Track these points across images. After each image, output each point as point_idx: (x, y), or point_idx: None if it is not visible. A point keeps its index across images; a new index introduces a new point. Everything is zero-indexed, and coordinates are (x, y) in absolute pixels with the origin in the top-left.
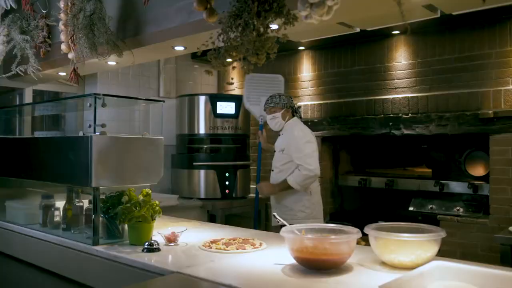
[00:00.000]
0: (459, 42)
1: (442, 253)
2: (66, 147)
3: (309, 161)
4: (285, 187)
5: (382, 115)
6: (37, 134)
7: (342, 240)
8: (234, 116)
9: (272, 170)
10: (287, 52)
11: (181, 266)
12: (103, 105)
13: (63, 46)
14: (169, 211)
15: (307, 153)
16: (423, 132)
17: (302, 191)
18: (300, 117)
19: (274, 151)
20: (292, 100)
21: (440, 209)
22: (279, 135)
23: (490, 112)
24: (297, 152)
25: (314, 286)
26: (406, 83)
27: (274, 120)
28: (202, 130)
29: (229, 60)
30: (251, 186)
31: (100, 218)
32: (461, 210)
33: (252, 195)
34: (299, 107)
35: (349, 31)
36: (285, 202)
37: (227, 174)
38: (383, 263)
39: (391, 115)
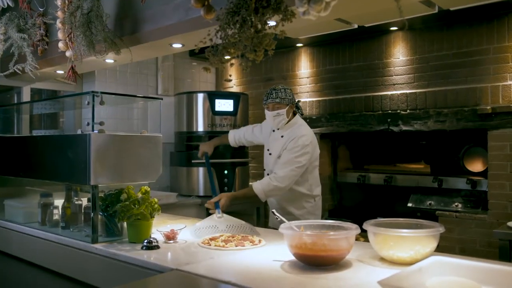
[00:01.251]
0: (457, 37)
1: (441, 249)
2: (65, 145)
3: (290, 173)
4: (247, 196)
5: (380, 112)
6: (35, 132)
7: (341, 236)
8: (233, 114)
9: (267, 174)
10: (285, 49)
11: (180, 263)
12: (101, 103)
13: (60, 44)
14: (168, 208)
15: (296, 166)
16: (421, 128)
17: (262, 200)
18: (302, 114)
19: (268, 151)
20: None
21: (439, 205)
22: (273, 131)
23: (488, 107)
24: (285, 159)
25: (313, 282)
26: (404, 79)
27: (278, 118)
28: (200, 128)
29: (227, 57)
30: (250, 183)
31: (99, 216)
32: (460, 205)
33: None
34: (298, 101)
35: (347, 27)
36: (289, 210)
37: (225, 172)
38: (382, 259)
39: (390, 111)
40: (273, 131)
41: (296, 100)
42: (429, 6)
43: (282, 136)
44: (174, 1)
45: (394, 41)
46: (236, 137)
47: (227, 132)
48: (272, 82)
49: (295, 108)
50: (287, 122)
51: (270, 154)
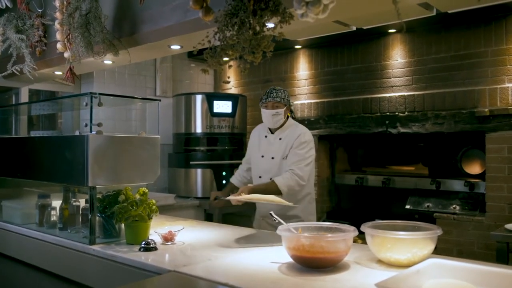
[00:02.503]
0: (455, 40)
1: (439, 251)
2: (63, 146)
3: (305, 169)
4: (267, 190)
5: (378, 114)
6: (33, 133)
7: (339, 238)
8: (231, 115)
9: (260, 177)
10: (283, 51)
11: (178, 265)
12: (99, 104)
13: (59, 45)
14: (166, 210)
15: (308, 162)
16: (419, 130)
17: (284, 194)
18: (294, 117)
19: (263, 156)
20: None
21: (437, 207)
22: (266, 136)
23: (486, 110)
24: (296, 156)
25: (311, 284)
26: (403, 81)
27: (277, 117)
28: (198, 129)
29: (225, 58)
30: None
31: (97, 218)
32: (458, 208)
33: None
34: (291, 104)
35: (345, 29)
36: (295, 213)
37: (224, 173)
38: (380, 261)
39: (388, 113)
40: (265, 136)
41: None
42: (427, 9)
43: (280, 139)
44: (172, 2)
45: (392, 43)
46: (238, 176)
47: (226, 134)
48: (271, 84)
49: (290, 111)
50: (283, 124)
51: (272, 158)
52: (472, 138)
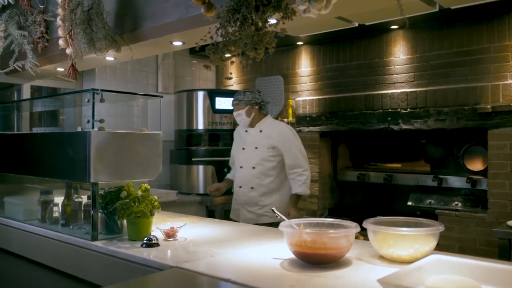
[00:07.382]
0: (457, 36)
1: (441, 248)
2: (65, 142)
3: (306, 159)
4: (296, 205)
5: (380, 110)
6: (36, 130)
7: (341, 234)
8: (233, 112)
9: (241, 167)
10: (285, 47)
11: (180, 261)
12: (102, 100)
13: (61, 42)
14: (167, 206)
15: (303, 154)
16: (421, 127)
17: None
18: (266, 114)
19: (244, 149)
20: (260, 96)
21: (439, 204)
22: (246, 131)
23: (489, 106)
24: (295, 151)
25: (313, 280)
26: (405, 78)
27: (239, 117)
28: (200, 126)
29: (227, 55)
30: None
31: (99, 214)
32: (460, 204)
33: None
34: (267, 102)
35: (347, 25)
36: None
37: (225, 170)
38: (382, 257)
39: (390, 110)
40: (246, 131)
41: (261, 101)
42: (429, 5)
43: (261, 131)
44: None
45: (395, 40)
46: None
47: (228, 130)
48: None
49: (261, 108)
50: (258, 121)
51: (256, 148)
52: (474, 135)
